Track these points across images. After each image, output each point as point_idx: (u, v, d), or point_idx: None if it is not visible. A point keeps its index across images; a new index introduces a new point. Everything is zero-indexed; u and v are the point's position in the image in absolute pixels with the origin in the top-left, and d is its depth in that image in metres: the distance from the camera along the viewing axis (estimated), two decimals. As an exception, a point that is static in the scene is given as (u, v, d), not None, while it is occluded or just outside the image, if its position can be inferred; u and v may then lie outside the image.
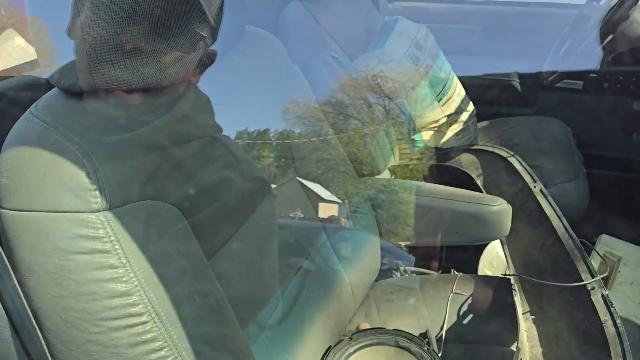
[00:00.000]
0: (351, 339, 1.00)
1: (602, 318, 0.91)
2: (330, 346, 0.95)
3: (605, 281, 1.44)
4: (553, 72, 1.70)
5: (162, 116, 0.64)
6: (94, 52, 0.54)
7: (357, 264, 1.13)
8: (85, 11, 0.53)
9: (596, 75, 2.23)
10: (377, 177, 1.49)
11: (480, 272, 1.62)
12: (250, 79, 1.09)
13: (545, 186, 1.61)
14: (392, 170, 1.80)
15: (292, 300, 0.92)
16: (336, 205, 1.16)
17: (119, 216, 0.55)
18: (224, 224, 0.74)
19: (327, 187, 1.18)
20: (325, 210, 1.18)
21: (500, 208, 1.14)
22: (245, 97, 1.07)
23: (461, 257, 1.48)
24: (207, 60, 0.69)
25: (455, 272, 1.72)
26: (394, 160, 1.77)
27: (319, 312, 0.99)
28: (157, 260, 0.58)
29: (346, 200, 1.17)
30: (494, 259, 1.57)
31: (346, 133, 1.50)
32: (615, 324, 0.89)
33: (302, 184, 1.15)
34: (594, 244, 2.12)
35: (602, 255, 1.50)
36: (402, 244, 1.24)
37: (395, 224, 1.18)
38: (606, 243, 1.52)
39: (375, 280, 1.25)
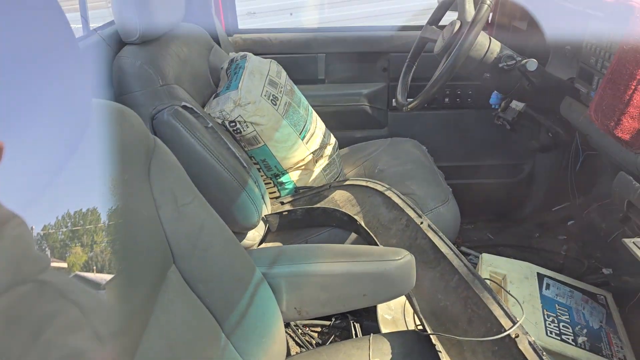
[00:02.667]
0: None
1: (537, 370, 0.87)
2: None
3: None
4: (412, 99, 1.70)
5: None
6: None
7: (265, 357, 0.96)
8: None
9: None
10: (265, 247, 1.34)
11: (380, 318, 1.54)
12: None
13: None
14: (267, 221, 1.65)
15: None
16: (237, 294, 0.99)
17: None
18: None
19: (240, 272, 0.99)
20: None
21: (405, 260, 1.05)
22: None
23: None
24: None
25: (354, 325, 1.63)
26: (267, 209, 1.63)
27: None
28: None
29: (245, 287, 0.99)
30: (391, 301, 1.51)
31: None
32: (553, 376, 0.84)
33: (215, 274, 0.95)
34: (467, 255, 2.20)
35: (488, 276, 1.52)
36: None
37: (297, 299, 1.04)
38: (488, 262, 1.55)
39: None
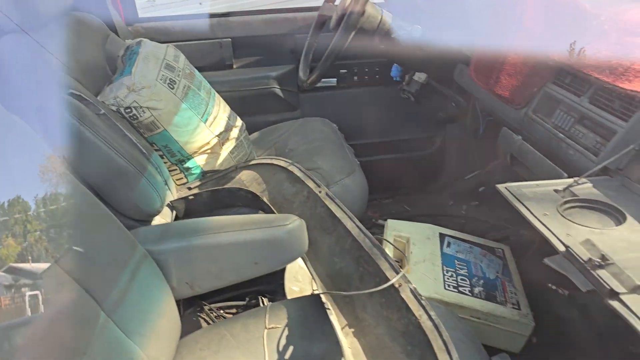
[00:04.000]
0: None
1: (416, 314, 0.90)
2: None
3: (402, 265, 1.50)
4: (310, 74, 1.72)
5: None
6: None
7: (154, 333, 0.95)
8: None
9: (346, 71, 2.37)
10: (152, 225, 1.31)
11: (287, 290, 1.55)
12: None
13: (327, 186, 1.62)
14: (173, 206, 1.63)
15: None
16: (115, 272, 0.97)
17: None
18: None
19: (122, 251, 0.97)
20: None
21: (295, 225, 1.07)
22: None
23: (266, 279, 1.40)
24: None
25: (263, 300, 1.64)
26: (172, 195, 1.60)
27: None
28: None
29: (125, 264, 0.97)
30: (298, 273, 1.53)
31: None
32: (430, 317, 0.88)
33: (87, 254, 0.93)
34: (382, 227, 2.25)
35: (392, 241, 1.56)
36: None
37: (187, 274, 1.03)
38: (393, 227, 1.59)
39: (181, 338, 1.08)
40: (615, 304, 0.73)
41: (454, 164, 2.53)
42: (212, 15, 2.37)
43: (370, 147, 2.44)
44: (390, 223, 1.61)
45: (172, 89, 1.61)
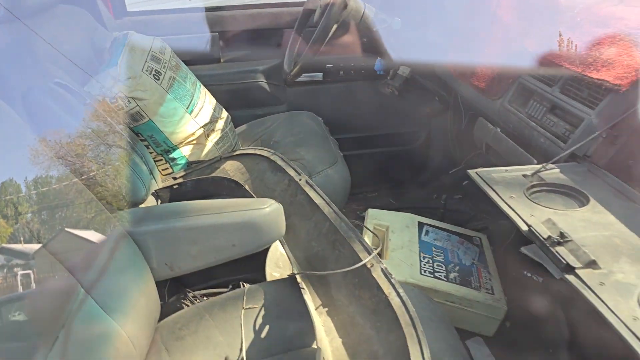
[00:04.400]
0: (141, 399, 0.85)
1: (386, 292, 0.93)
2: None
3: (381, 252, 1.53)
4: (293, 68, 1.75)
5: None
6: None
7: (132, 311, 0.98)
8: None
9: (332, 65, 2.40)
10: (131, 210, 1.34)
11: (268, 276, 1.58)
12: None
13: (309, 176, 1.65)
14: (158, 195, 1.65)
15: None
16: (129, 251, 1.01)
17: None
18: None
19: (103, 232, 1.00)
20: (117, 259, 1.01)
21: (272, 209, 1.10)
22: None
23: (249, 267, 1.42)
24: None
25: (244, 285, 1.67)
26: (157, 184, 1.63)
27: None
28: None
29: (103, 243, 1.00)
30: (279, 259, 1.55)
31: (112, 165, 1.32)
32: (398, 294, 0.91)
33: (72, 234, 0.96)
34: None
35: (372, 229, 1.59)
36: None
37: (165, 254, 1.06)
38: (374, 216, 1.62)
39: (160, 319, 1.11)
40: (571, 278, 0.77)
41: (438, 157, 2.56)
42: (200, 10, 2.39)
43: (356, 141, 2.47)
44: (371, 212, 1.64)
45: (158, 80, 1.63)
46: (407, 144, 2.56)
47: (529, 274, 1.49)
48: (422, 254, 1.44)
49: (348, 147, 2.22)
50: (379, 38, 1.73)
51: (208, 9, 2.41)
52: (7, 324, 0.82)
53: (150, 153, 1.68)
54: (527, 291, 1.47)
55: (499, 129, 1.43)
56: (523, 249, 0.99)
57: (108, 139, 1.45)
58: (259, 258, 1.43)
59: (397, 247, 1.46)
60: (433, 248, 1.48)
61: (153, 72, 1.63)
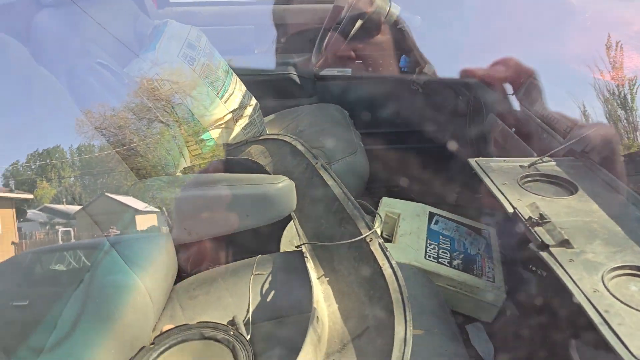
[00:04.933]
0: (153, 344, 0.96)
1: (380, 263, 1.01)
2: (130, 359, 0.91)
3: (391, 237, 1.60)
4: (321, 62, 1.84)
5: None
6: None
7: (152, 268, 1.09)
8: None
9: (361, 62, 2.48)
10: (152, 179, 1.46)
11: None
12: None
13: (329, 163, 1.74)
14: (186, 173, 1.77)
15: (73, 319, 0.85)
16: (154, 215, 1.13)
17: None
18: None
19: (141, 199, 1.13)
20: (144, 222, 1.14)
21: (284, 184, 1.19)
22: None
23: (267, 248, 1.52)
24: None
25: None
26: (185, 162, 1.74)
27: (110, 325, 0.93)
28: None
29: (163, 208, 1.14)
30: (294, 238, 1.64)
31: (152, 138, 1.44)
32: (391, 265, 0.99)
33: (112, 198, 1.09)
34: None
35: (382, 215, 1.67)
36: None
37: (185, 220, 1.17)
38: (387, 204, 1.70)
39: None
40: (544, 254, 0.83)
41: (462, 155, 2.60)
42: (238, 3, 2.51)
43: (381, 137, 2.53)
44: (385, 200, 1.72)
45: (192, 65, 1.75)
46: (430, 142, 2.61)
47: (533, 268, 1.54)
48: (428, 241, 1.51)
49: (372, 142, 2.29)
50: (405, 36, 1.80)
51: (245, 3, 2.53)
52: (47, 271, 0.94)
53: (182, 134, 1.81)
54: (531, 284, 1.52)
55: (506, 125, 1.48)
56: (532, 246, 1.06)
57: (149, 114, 1.58)
58: (276, 239, 1.53)
59: (405, 233, 1.53)
60: (440, 236, 1.55)
61: (188, 58, 1.75)
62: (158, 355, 0.94)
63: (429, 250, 1.47)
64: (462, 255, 1.49)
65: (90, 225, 1.04)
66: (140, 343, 0.97)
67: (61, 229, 1.06)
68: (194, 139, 1.87)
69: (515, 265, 1.58)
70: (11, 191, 1.03)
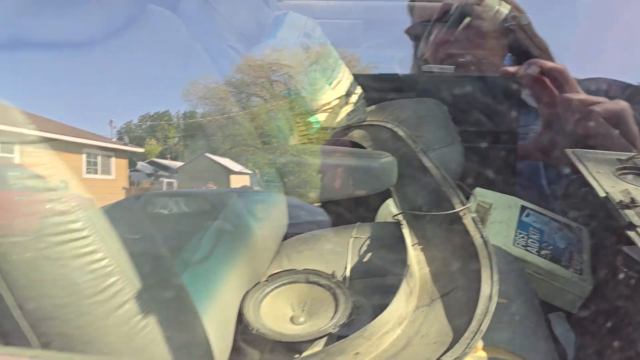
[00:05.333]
0: (267, 281, 1.12)
1: (472, 233, 1.11)
2: (248, 290, 1.07)
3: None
4: (423, 55, 1.94)
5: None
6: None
7: (267, 222, 1.25)
8: None
9: (464, 60, 2.54)
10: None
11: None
12: (150, 57, 1.19)
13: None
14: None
15: (211, 245, 1.02)
16: (246, 176, 1.30)
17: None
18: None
19: (236, 161, 1.30)
20: (237, 181, 1.31)
21: (388, 160, 1.32)
22: (145, 76, 1.18)
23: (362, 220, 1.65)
24: None
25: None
26: (294, 140, 1.92)
27: (236, 260, 1.10)
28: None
29: (256, 170, 1.30)
30: (388, 216, 1.76)
31: (249, 110, 1.63)
32: (482, 236, 1.09)
33: (211, 159, 1.27)
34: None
35: (475, 206, 1.74)
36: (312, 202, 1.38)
37: (305, 185, 1.32)
38: (479, 194, 1.77)
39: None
40: (632, 234, 0.90)
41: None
42: (350, -1, 2.66)
43: (480, 135, 2.58)
44: (478, 190, 1.79)
45: (307, 53, 1.92)
46: (529, 142, 2.62)
47: (624, 269, 1.56)
48: (518, 230, 1.57)
49: (472, 139, 2.35)
50: (514, 35, 1.86)
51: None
52: (188, 210, 1.12)
53: (291, 114, 1.98)
54: (620, 285, 1.54)
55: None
56: (625, 249, 1.11)
57: (249, 89, 1.78)
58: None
59: (495, 221, 1.60)
60: (530, 228, 1.60)
61: (304, 46, 1.92)
62: (271, 290, 1.09)
63: (518, 238, 1.53)
64: (551, 247, 1.53)
65: (191, 179, 1.22)
66: (256, 279, 1.14)
67: (165, 180, 1.25)
68: (301, 119, 2.04)
69: (606, 265, 1.60)
70: (125, 145, 1.22)
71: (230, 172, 1.27)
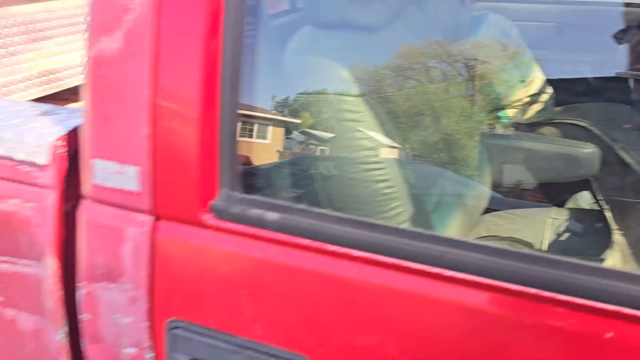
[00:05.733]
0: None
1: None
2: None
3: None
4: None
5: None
6: None
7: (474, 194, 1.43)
8: None
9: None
10: None
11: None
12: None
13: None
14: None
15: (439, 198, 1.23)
16: None
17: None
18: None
19: None
20: None
21: (590, 150, 1.42)
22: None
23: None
24: None
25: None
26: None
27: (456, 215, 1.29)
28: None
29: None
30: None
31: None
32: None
33: None
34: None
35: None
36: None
37: (495, 168, 1.47)
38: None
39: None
40: None
41: None
42: (541, 2, 2.72)
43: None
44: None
45: (504, 52, 2.05)
46: None
47: None
48: None
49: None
50: None
51: (548, 2, 2.72)
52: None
53: (481, 108, 2.12)
54: None
55: None
56: None
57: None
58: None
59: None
60: None
61: (502, 45, 2.05)
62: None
63: None
64: None
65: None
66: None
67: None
68: (492, 114, 2.17)
69: None
70: (284, 116, 1.34)
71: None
